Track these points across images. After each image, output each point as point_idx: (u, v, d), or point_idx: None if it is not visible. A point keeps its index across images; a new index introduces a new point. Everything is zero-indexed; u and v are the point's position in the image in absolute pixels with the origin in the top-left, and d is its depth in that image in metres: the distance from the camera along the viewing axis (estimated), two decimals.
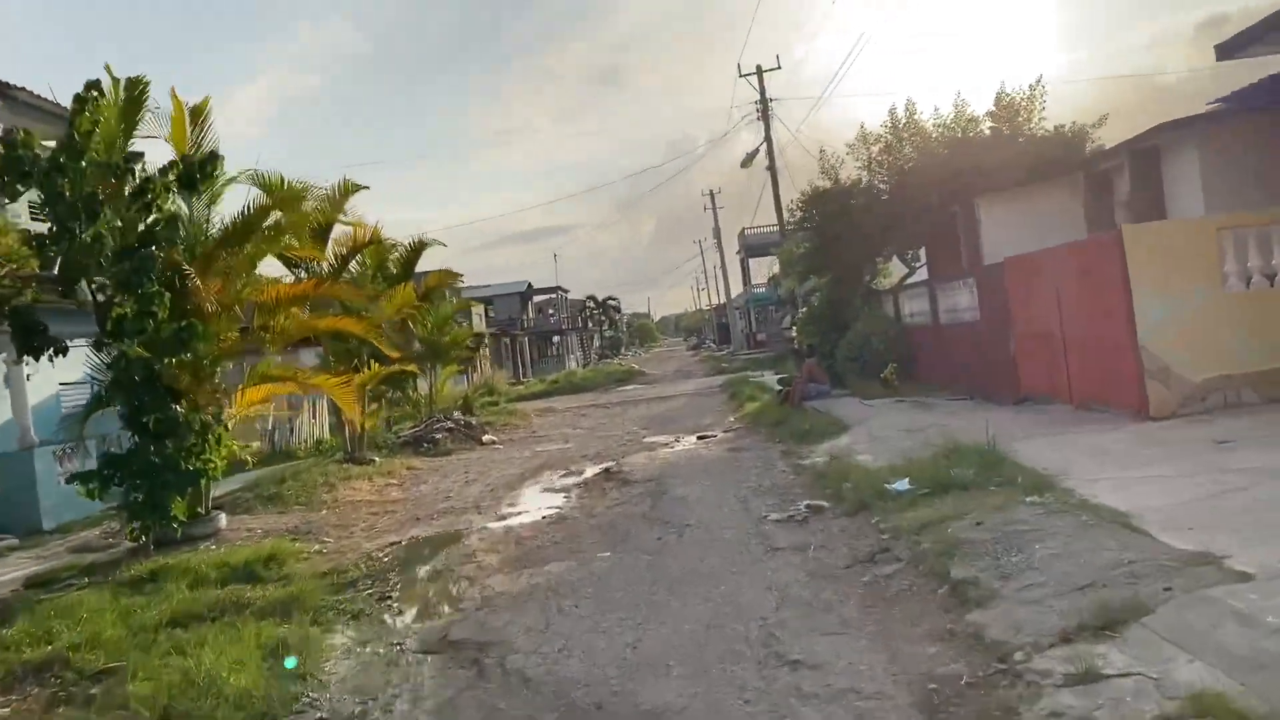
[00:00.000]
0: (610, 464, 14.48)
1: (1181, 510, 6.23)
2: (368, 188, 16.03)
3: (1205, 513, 6.07)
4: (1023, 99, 18.57)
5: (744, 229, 66.26)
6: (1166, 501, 6.51)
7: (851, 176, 20.37)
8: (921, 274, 21.06)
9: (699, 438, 16.88)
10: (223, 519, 11.54)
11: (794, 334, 22.98)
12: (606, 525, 9.65)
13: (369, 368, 16.71)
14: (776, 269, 72.16)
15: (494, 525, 10.51)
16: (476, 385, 39.17)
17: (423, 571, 8.84)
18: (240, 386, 11.74)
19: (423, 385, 23.02)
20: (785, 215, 20.64)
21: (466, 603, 7.42)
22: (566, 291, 78.76)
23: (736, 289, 68.59)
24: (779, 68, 30.34)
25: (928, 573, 6.20)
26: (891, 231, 19.65)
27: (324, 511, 12.75)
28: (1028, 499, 7.11)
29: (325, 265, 16.28)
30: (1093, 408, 11.04)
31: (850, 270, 20.15)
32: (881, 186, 19.97)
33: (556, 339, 72.90)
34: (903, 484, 8.42)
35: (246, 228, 11.11)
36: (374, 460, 16.28)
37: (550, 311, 75.59)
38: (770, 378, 29.25)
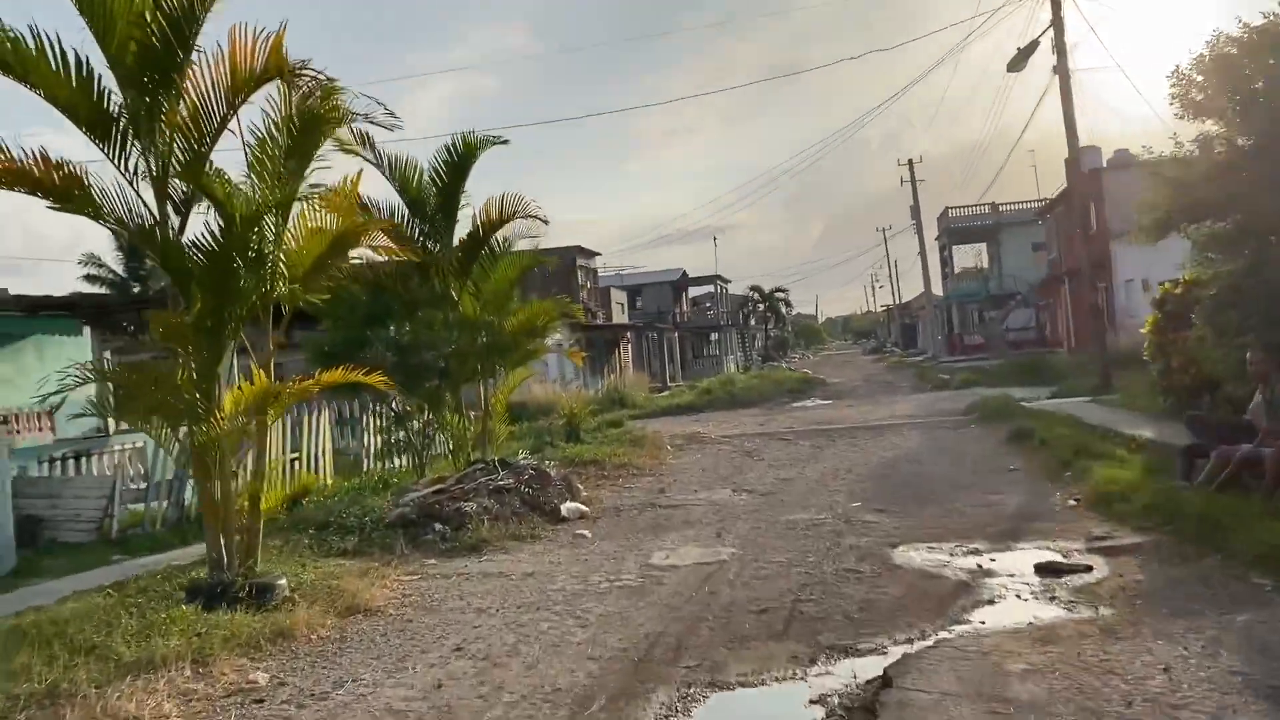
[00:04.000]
0: None
1: None
2: None
3: None
4: None
5: (947, 209, 54.20)
6: None
7: None
8: None
9: (1047, 572, 6.78)
10: None
11: (1193, 339, 12.20)
12: None
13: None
14: (985, 258, 59.83)
15: None
16: (606, 392, 29.83)
17: None
18: None
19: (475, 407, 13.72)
20: (1172, 92, 9.98)
21: None
22: (727, 282, 68.42)
23: (920, 286, 56.40)
24: None
25: None
26: None
27: None
28: None
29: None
30: None
31: None
32: None
33: (714, 336, 62.99)
34: None
35: None
36: (275, 587, 7.00)
37: (708, 305, 65.75)
38: (1048, 402, 18.38)
